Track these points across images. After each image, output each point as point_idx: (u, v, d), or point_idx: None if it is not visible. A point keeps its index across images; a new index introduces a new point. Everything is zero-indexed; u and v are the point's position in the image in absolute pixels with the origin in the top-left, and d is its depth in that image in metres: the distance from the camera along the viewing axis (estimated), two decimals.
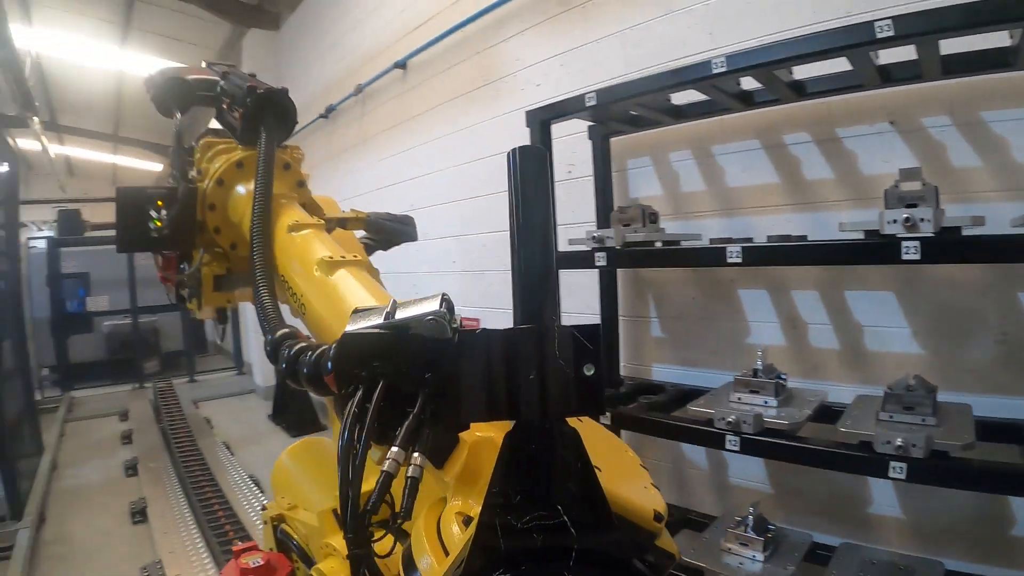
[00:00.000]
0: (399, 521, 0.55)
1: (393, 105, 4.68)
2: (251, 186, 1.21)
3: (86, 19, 7.57)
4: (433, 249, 4.15)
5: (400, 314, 0.58)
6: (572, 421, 0.57)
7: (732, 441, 1.87)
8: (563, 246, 2.49)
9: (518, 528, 0.53)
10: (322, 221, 1.27)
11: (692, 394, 2.31)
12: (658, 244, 2.22)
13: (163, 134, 11.91)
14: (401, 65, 4.48)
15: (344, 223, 1.47)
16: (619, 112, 2.51)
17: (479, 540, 0.54)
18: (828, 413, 1.98)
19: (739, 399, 2.02)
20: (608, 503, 0.55)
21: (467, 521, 0.63)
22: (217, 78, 1.42)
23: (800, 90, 2.13)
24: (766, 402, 1.97)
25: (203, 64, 1.51)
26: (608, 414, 2.24)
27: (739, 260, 1.85)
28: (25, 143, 11.78)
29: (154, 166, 15.09)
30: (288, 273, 1.09)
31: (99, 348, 9.12)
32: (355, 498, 0.54)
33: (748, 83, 2.17)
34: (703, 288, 2.63)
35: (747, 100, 2.26)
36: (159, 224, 1.35)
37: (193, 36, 7.85)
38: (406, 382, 0.56)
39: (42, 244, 9.34)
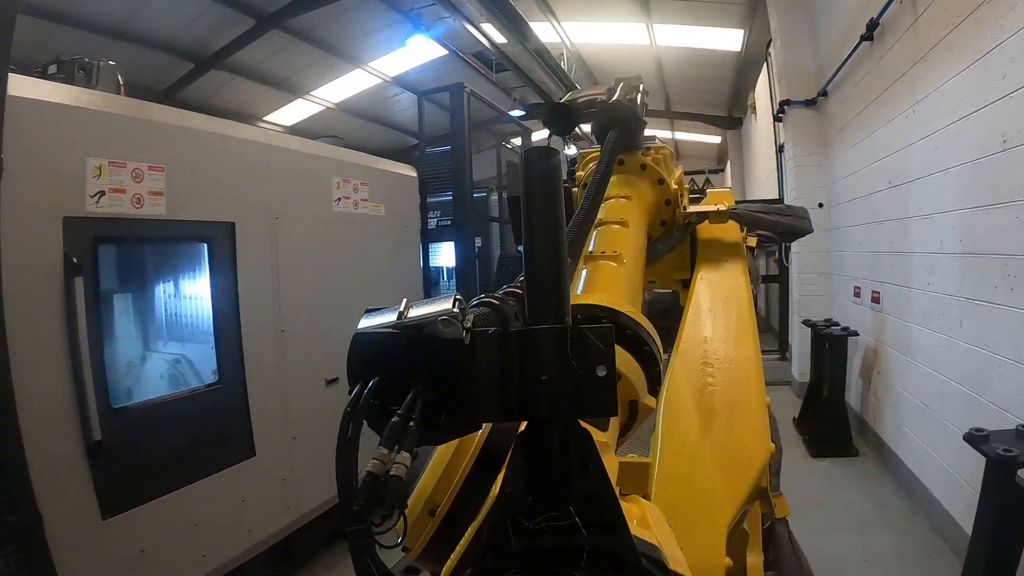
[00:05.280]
0: (383, 517, 0.55)
1: None
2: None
3: (605, 2, 8.08)
4: None
5: (412, 313, 0.58)
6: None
7: None
8: None
9: (529, 528, 0.54)
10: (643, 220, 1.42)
11: None
12: None
13: (717, 106, 12.22)
14: None
15: (704, 216, 1.53)
16: None
17: (490, 540, 0.55)
18: None
19: None
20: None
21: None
22: (603, 95, 1.55)
23: None
24: None
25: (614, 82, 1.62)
26: None
27: None
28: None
29: (712, 139, 15.74)
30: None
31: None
32: (349, 494, 0.54)
33: None
34: None
35: None
36: None
37: None
38: (407, 381, 0.56)
39: None
